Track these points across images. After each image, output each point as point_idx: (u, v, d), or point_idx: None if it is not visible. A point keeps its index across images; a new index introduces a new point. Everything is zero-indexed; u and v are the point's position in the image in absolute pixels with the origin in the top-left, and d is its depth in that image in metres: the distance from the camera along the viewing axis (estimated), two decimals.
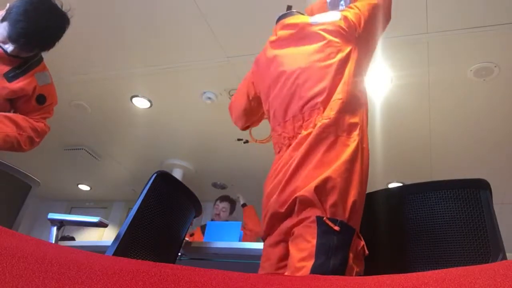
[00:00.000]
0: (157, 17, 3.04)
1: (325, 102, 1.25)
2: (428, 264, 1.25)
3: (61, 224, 1.53)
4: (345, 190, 1.14)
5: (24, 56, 1.59)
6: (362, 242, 1.15)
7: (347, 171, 1.16)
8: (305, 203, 1.13)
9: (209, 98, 3.86)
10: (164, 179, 1.53)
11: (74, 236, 5.47)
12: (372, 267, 1.41)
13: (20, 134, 1.59)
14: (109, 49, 3.43)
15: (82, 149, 5.12)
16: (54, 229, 1.49)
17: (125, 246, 1.35)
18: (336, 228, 1.07)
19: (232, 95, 3.85)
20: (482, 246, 1.17)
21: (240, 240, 2.47)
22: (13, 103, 1.68)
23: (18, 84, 1.62)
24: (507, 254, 1.15)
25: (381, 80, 3.37)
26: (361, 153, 1.24)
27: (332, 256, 1.04)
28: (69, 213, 6.88)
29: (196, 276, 0.58)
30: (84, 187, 6.69)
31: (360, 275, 1.10)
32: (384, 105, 3.70)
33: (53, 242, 1.50)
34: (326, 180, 1.13)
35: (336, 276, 0.63)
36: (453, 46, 2.96)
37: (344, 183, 1.14)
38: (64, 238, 4.69)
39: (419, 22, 2.77)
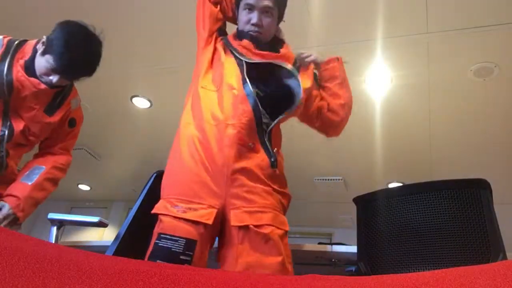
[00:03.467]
0: (157, 17, 3.04)
1: None
2: (428, 264, 1.25)
3: (61, 224, 1.53)
4: None
5: (64, 84, 1.62)
6: None
7: None
8: None
9: None
10: None
11: (74, 236, 5.46)
12: (372, 267, 1.41)
13: (52, 186, 1.67)
14: (109, 49, 3.42)
15: (82, 149, 5.12)
16: (54, 229, 1.49)
17: (125, 246, 1.35)
18: None
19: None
20: (482, 246, 1.17)
21: None
22: None
23: (58, 116, 1.66)
24: (507, 254, 1.15)
25: (381, 80, 3.37)
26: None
27: None
28: (69, 213, 6.88)
29: (196, 276, 0.58)
30: (84, 187, 6.69)
31: None
32: (384, 105, 3.70)
33: (53, 242, 1.49)
34: None
35: (336, 276, 0.63)
36: (453, 46, 2.96)
37: None
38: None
39: (419, 22, 2.77)
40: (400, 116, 3.86)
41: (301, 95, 1.38)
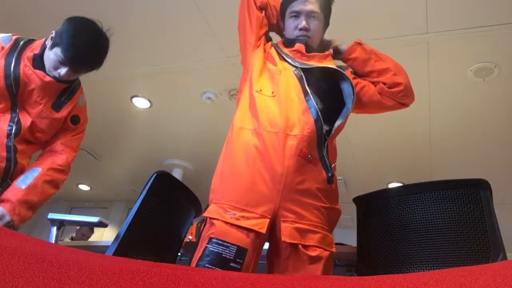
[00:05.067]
0: (157, 17, 3.04)
1: None
2: (428, 264, 1.25)
3: (61, 224, 1.53)
4: None
5: (72, 79, 1.63)
6: None
7: None
8: None
9: (209, 98, 3.86)
10: (164, 179, 1.53)
11: (71, 236, 5.46)
12: (372, 267, 1.41)
13: (51, 188, 1.64)
14: (110, 49, 3.42)
15: (82, 149, 5.12)
16: (54, 229, 1.49)
17: (125, 246, 1.35)
18: None
19: (232, 95, 3.86)
20: (482, 246, 1.17)
21: None
22: None
23: (65, 111, 1.67)
24: (507, 254, 1.15)
25: None
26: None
27: None
28: (69, 213, 6.88)
29: (196, 276, 0.58)
30: (84, 187, 6.70)
31: None
32: None
33: (53, 242, 1.49)
34: None
35: (336, 276, 0.63)
36: (453, 46, 2.96)
37: None
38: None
39: (419, 22, 2.77)
40: (400, 116, 3.86)
41: (354, 98, 1.37)
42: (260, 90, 1.38)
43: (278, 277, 0.65)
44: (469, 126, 3.89)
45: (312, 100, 1.33)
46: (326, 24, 1.55)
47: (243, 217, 1.18)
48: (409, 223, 1.33)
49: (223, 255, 1.13)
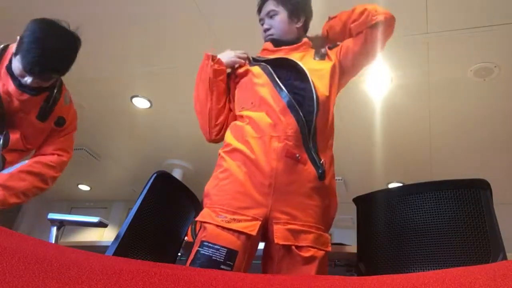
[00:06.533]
0: (157, 17, 3.04)
1: None
2: (428, 264, 1.25)
3: (61, 224, 1.53)
4: None
5: (46, 85, 1.54)
6: None
7: None
8: None
9: None
10: (164, 179, 1.53)
11: (74, 236, 5.46)
12: (372, 267, 1.41)
13: (38, 181, 1.61)
14: (109, 49, 3.43)
15: (82, 149, 5.12)
16: (54, 229, 1.49)
17: (125, 246, 1.35)
18: None
19: None
20: (482, 246, 1.17)
21: None
22: None
23: (51, 121, 1.63)
24: (507, 254, 1.15)
25: (381, 80, 3.37)
26: None
27: None
28: (69, 213, 6.88)
29: (196, 276, 0.58)
30: (84, 187, 6.69)
31: None
32: (384, 105, 3.70)
33: (53, 242, 1.49)
34: None
35: (336, 276, 0.63)
36: (453, 46, 2.96)
37: None
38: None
39: (419, 22, 2.77)
40: (400, 116, 3.86)
41: (316, 96, 1.34)
42: (242, 108, 1.42)
43: (278, 277, 0.65)
44: (469, 126, 3.89)
45: (289, 97, 1.33)
46: (292, 13, 1.55)
47: (234, 219, 1.20)
48: (409, 223, 1.33)
49: (213, 257, 1.15)
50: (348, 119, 3.88)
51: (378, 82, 3.39)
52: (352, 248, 1.82)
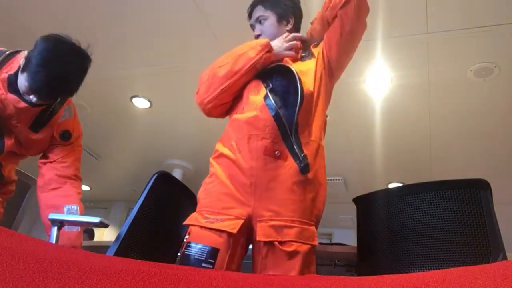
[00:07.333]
0: (157, 17, 3.04)
1: None
2: (428, 264, 1.25)
3: (61, 224, 1.53)
4: None
5: (49, 103, 1.53)
6: None
7: None
8: None
9: None
10: (164, 180, 1.53)
11: None
12: (372, 267, 1.41)
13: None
14: (109, 49, 3.43)
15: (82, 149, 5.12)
16: (55, 229, 1.49)
17: (125, 246, 1.35)
18: None
19: None
20: (482, 246, 1.17)
21: None
22: None
23: (43, 133, 1.59)
24: (507, 254, 1.15)
25: (381, 80, 3.37)
26: None
27: None
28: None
29: (196, 276, 0.58)
30: (84, 187, 6.69)
31: None
32: (384, 105, 3.70)
33: (53, 242, 1.49)
34: None
35: (336, 276, 0.63)
36: (453, 46, 2.96)
37: None
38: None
39: (419, 22, 2.77)
40: (400, 116, 3.86)
41: (301, 90, 1.34)
42: (236, 113, 1.43)
43: (278, 277, 0.65)
44: (469, 126, 3.89)
45: (269, 95, 1.34)
46: (281, 17, 1.57)
47: (217, 219, 1.23)
48: (409, 223, 1.33)
49: (196, 256, 1.19)
50: (348, 119, 3.89)
51: (378, 82, 3.39)
52: (352, 248, 1.82)
